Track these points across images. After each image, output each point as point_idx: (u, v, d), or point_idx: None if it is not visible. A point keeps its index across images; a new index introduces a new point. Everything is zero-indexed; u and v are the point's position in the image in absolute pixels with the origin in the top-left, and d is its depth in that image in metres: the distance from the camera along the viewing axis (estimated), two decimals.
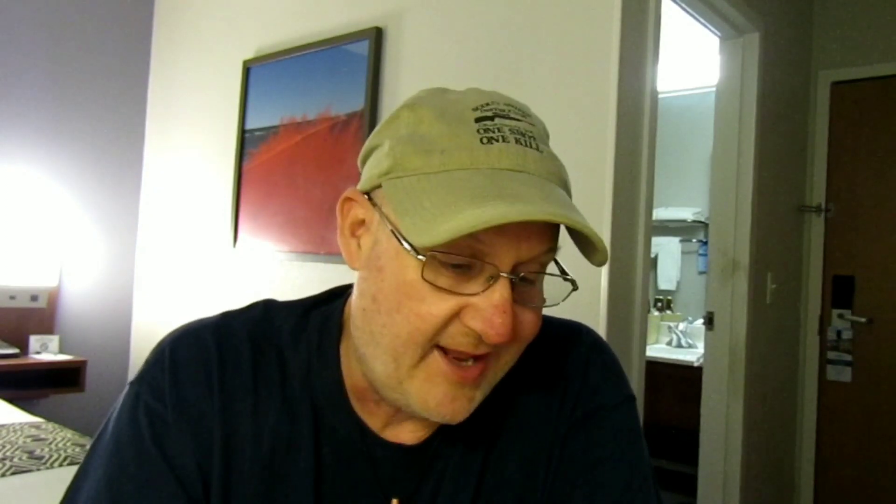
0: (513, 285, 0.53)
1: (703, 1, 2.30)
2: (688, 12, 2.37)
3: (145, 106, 3.48)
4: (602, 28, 1.86)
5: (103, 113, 3.32)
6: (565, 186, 0.58)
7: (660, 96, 2.07)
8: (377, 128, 0.61)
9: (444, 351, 0.55)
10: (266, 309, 0.67)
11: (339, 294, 0.67)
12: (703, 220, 3.82)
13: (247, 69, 2.87)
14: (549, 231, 0.55)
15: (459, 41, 2.20)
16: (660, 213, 3.75)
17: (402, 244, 0.53)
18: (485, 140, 0.54)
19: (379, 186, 0.57)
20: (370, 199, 0.58)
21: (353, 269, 0.60)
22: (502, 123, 0.56)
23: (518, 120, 0.57)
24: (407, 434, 0.63)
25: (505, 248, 0.53)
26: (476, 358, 0.55)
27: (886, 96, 3.11)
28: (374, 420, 0.63)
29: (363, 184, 0.60)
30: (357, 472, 0.62)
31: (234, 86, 2.92)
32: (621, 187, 1.85)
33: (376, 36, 2.40)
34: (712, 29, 2.57)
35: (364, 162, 0.61)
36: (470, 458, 0.64)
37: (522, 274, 0.54)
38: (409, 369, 0.55)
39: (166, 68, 3.41)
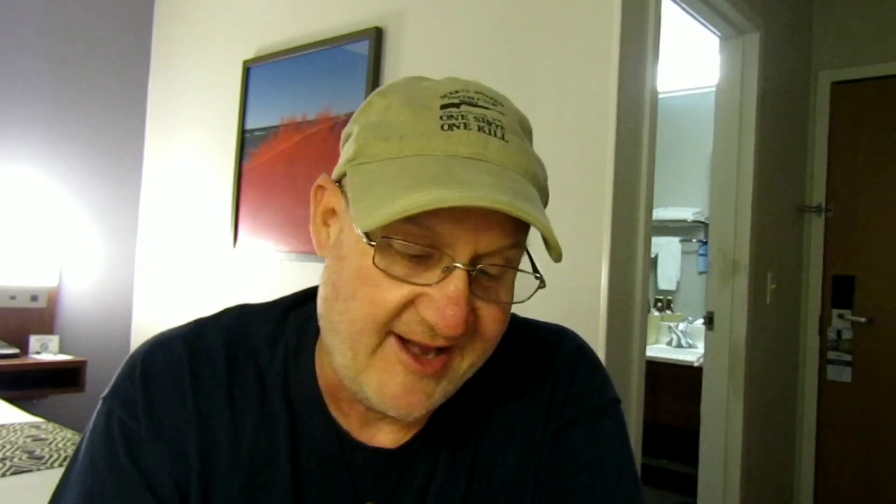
0: (472, 279, 0.52)
1: (703, 1, 2.30)
2: (688, 12, 2.37)
3: (145, 106, 3.48)
4: (602, 28, 1.86)
5: (103, 113, 3.32)
6: (534, 179, 0.55)
7: (660, 96, 2.07)
8: (354, 114, 0.60)
9: (403, 341, 0.53)
10: (241, 315, 0.65)
11: (316, 293, 0.66)
12: (703, 220, 3.82)
13: (247, 69, 2.87)
14: (512, 224, 0.53)
15: (459, 41, 2.20)
16: (660, 213, 3.75)
17: (356, 230, 0.53)
18: (445, 127, 0.53)
19: (346, 174, 0.57)
20: (340, 186, 0.58)
21: (321, 255, 0.60)
22: (468, 111, 0.54)
23: (486, 108, 0.55)
24: (385, 436, 0.62)
25: (463, 238, 0.51)
26: (439, 351, 0.54)
27: (886, 96, 3.10)
28: (349, 421, 0.61)
29: (335, 171, 0.60)
30: (334, 478, 0.61)
31: (234, 86, 2.92)
32: (621, 187, 1.85)
33: (376, 36, 2.40)
34: (712, 29, 2.57)
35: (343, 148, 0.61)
36: (457, 464, 0.63)
37: (480, 266, 0.52)
38: (365, 358, 0.54)
39: (166, 68, 3.41)
